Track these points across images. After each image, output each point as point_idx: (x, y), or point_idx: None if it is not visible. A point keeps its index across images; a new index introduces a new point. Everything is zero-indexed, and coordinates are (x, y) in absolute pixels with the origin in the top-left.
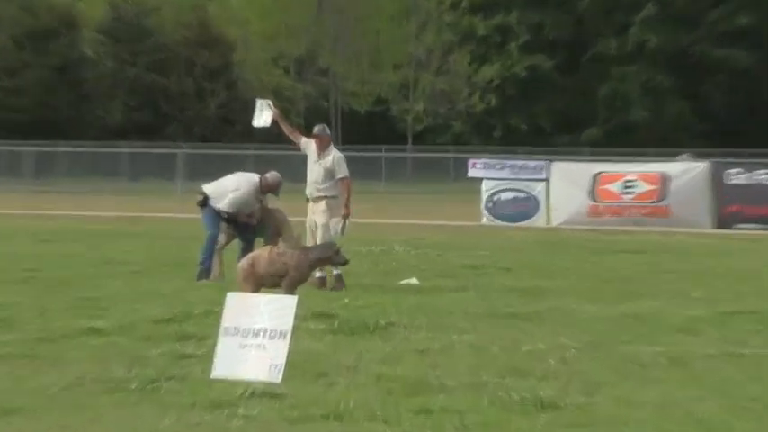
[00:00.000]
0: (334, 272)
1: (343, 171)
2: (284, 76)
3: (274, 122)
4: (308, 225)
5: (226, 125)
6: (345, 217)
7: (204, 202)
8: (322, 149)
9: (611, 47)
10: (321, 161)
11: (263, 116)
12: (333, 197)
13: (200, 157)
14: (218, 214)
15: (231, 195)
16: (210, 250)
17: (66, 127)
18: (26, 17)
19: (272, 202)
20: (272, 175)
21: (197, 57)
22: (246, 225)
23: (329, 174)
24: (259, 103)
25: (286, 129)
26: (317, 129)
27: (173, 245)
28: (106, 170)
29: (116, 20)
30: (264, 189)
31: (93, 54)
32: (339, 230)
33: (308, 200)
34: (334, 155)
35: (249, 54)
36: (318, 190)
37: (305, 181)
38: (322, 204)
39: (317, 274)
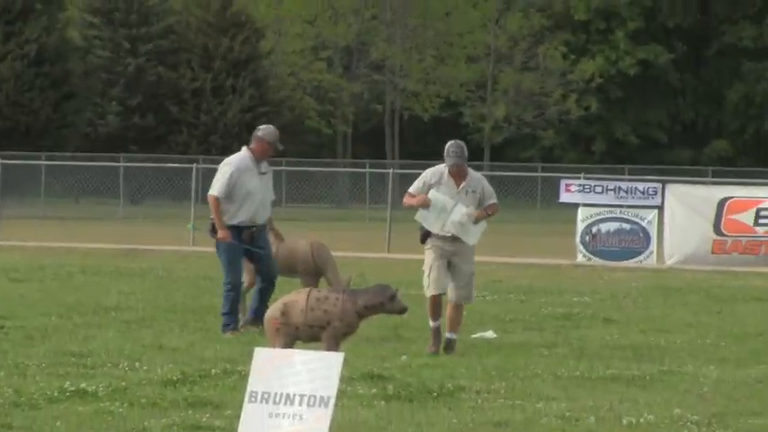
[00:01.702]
0: (448, 335)
1: (494, 195)
2: (327, 72)
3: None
4: (435, 265)
5: (251, 133)
6: (480, 218)
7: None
8: (463, 177)
9: (744, 37)
10: (468, 189)
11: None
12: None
13: None
14: (238, 245)
15: (218, 175)
16: (233, 302)
17: (45, 134)
18: None
19: (301, 236)
20: (264, 129)
21: (216, 45)
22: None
23: (480, 204)
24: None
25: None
26: (452, 153)
27: (182, 286)
28: (97, 190)
29: None
30: (261, 152)
31: (81, 40)
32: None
33: (426, 236)
34: (481, 178)
35: (282, 42)
36: (477, 235)
37: (359, 200)
38: (470, 245)
39: (431, 323)
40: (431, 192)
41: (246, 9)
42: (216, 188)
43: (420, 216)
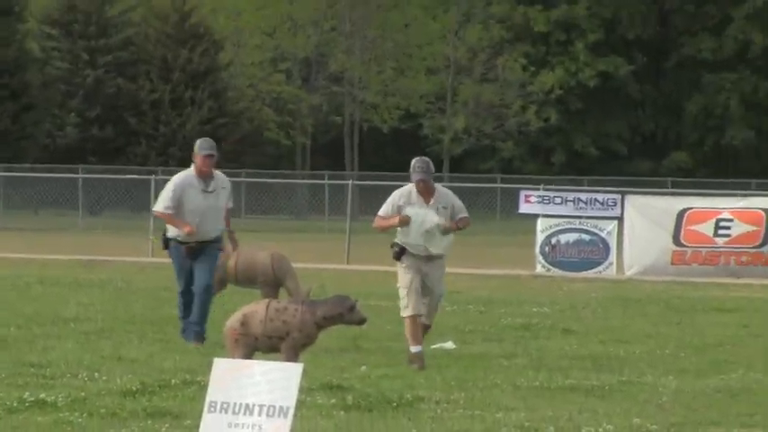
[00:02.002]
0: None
1: (464, 209)
2: (286, 83)
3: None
4: (416, 286)
5: None
6: (451, 230)
7: (167, 239)
8: (430, 193)
9: (703, 49)
10: (438, 205)
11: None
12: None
13: None
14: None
15: (162, 192)
16: (183, 308)
17: (4, 146)
18: None
19: (262, 246)
20: (197, 143)
21: (174, 57)
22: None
23: (451, 220)
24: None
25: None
26: (418, 168)
27: (141, 297)
28: (56, 201)
29: (70, 8)
30: (201, 166)
31: (40, 52)
32: (437, 224)
33: (400, 252)
34: (449, 193)
35: (241, 54)
36: (442, 245)
37: (316, 212)
38: (441, 262)
39: (412, 349)
40: (407, 209)
41: (205, 21)
42: (159, 204)
43: (401, 233)
